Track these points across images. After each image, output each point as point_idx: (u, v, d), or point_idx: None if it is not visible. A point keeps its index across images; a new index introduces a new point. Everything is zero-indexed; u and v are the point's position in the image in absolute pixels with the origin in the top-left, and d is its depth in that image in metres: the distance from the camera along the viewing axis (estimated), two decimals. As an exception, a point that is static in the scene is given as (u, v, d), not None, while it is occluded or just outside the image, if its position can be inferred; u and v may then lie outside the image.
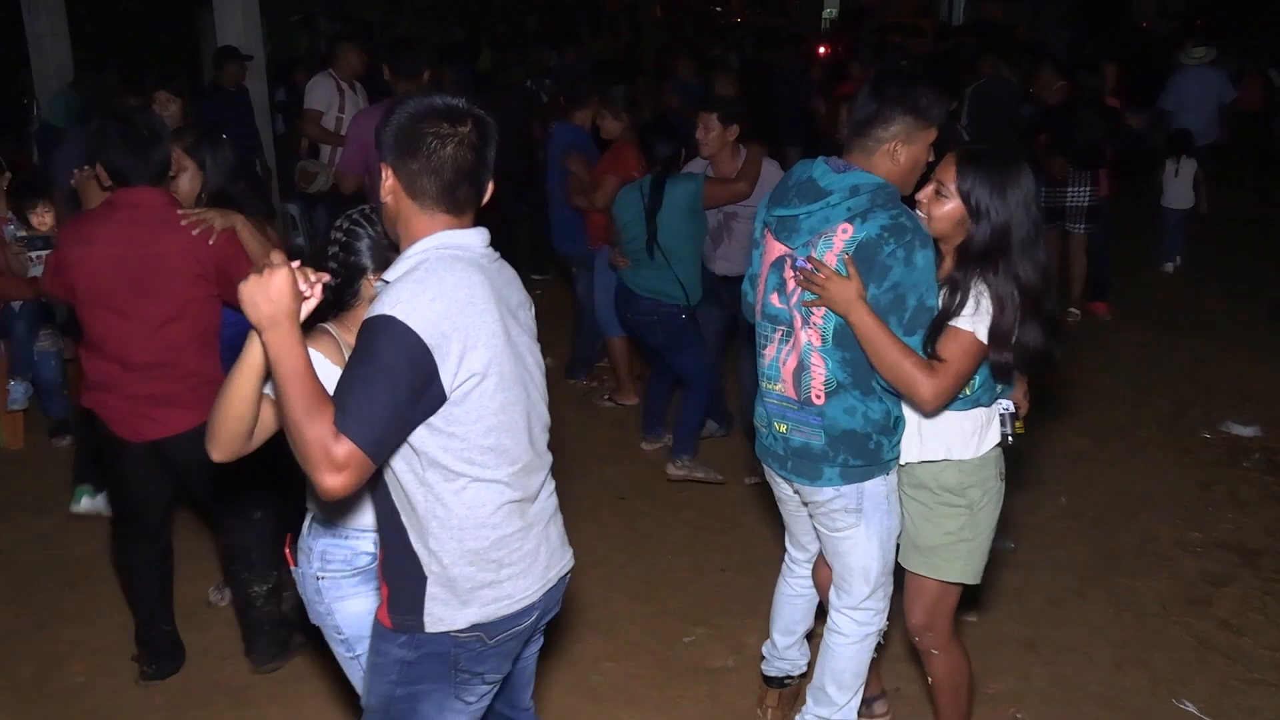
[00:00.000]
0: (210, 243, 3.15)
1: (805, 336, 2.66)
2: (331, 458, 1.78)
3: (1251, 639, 3.72)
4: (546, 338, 7.35)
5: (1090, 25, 14.54)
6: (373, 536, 2.31)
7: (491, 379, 1.96)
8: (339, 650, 2.44)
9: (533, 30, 14.39)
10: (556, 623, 3.76)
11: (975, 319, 2.52)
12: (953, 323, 2.53)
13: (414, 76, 4.99)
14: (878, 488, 2.75)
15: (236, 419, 2.00)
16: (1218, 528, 4.51)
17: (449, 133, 1.96)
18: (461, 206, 2.01)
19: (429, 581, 2.01)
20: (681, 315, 4.72)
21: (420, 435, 1.92)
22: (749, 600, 3.89)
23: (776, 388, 2.77)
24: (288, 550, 2.46)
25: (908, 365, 2.51)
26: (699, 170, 4.87)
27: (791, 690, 3.33)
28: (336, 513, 2.33)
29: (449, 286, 1.91)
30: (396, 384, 1.83)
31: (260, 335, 1.85)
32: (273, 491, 3.39)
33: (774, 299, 2.75)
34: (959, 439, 2.69)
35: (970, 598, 3.92)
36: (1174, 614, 3.87)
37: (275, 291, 1.82)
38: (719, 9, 25.62)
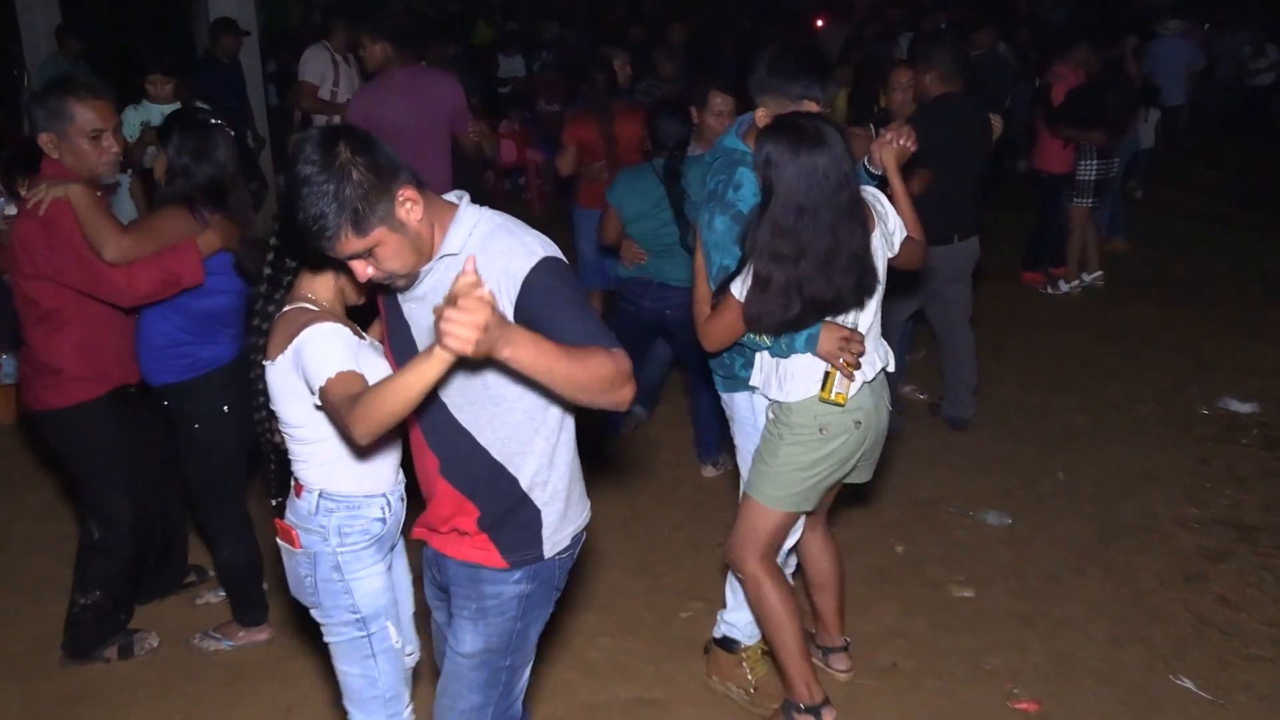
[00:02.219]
0: (40, 214, 3.00)
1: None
2: (624, 372, 1.90)
3: (1248, 615, 3.72)
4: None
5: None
6: (379, 501, 2.38)
7: None
8: (346, 633, 2.39)
9: (529, 3, 14.27)
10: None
11: (745, 281, 2.69)
12: (732, 283, 2.73)
13: (410, 44, 5.01)
14: (743, 403, 3.10)
15: (393, 420, 1.89)
16: (1215, 504, 4.50)
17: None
18: None
19: (543, 513, 2.17)
20: None
21: None
22: (746, 576, 3.88)
23: None
24: (291, 533, 2.37)
25: (695, 309, 2.90)
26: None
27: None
28: (349, 481, 2.35)
29: (519, 221, 2.09)
30: (585, 296, 2.05)
31: (498, 357, 1.75)
32: (114, 526, 3.35)
33: None
34: (769, 378, 2.87)
35: (966, 574, 3.93)
36: (1171, 590, 3.87)
37: (483, 319, 1.66)
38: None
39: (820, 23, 12.48)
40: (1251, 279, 7.57)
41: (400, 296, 2.12)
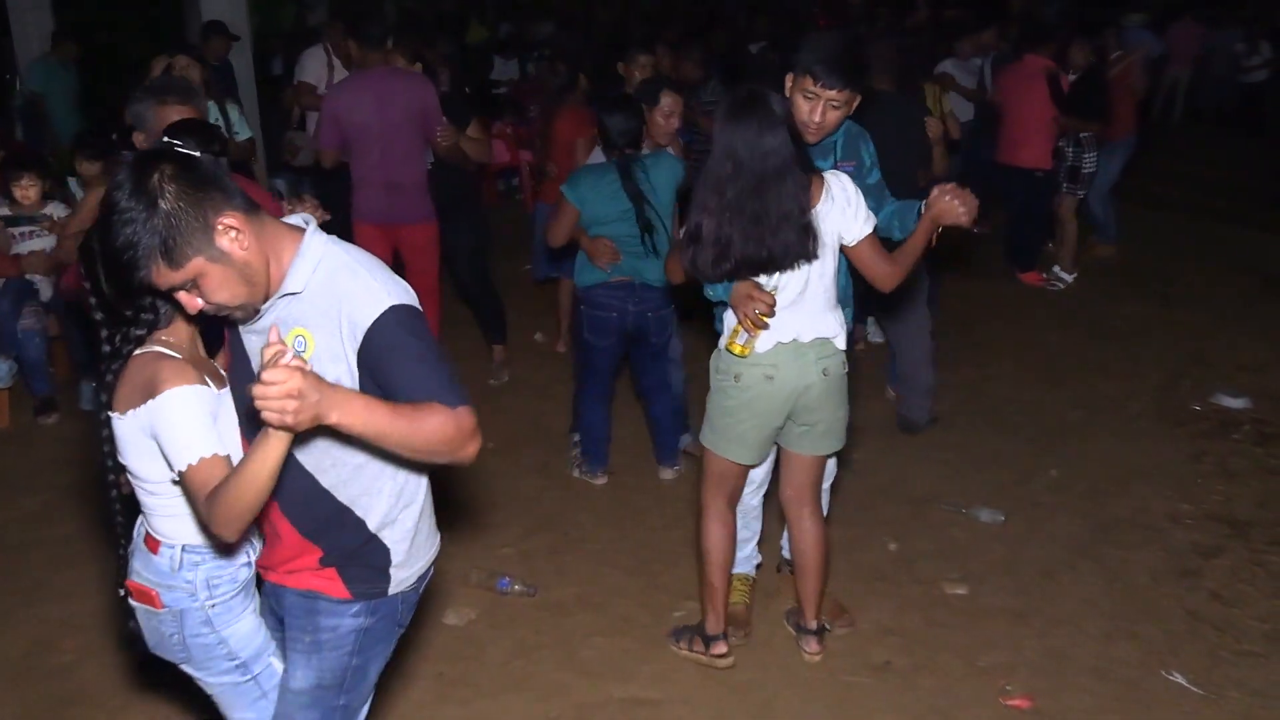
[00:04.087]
0: None
1: None
2: (465, 430, 1.84)
3: (1241, 610, 3.73)
4: (535, 313, 7.27)
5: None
6: (244, 545, 2.20)
7: None
8: (228, 679, 2.23)
9: (524, 3, 14.27)
10: (548, 598, 3.79)
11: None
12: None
13: (378, 45, 5.03)
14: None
15: (253, 510, 1.83)
16: (1208, 500, 4.51)
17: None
18: None
19: (392, 551, 2.09)
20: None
21: None
22: (740, 574, 3.89)
23: None
24: (150, 593, 2.16)
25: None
26: None
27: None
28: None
29: (367, 255, 1.98)
30: (436, 345, 1.92)
31: (327, 423, 1.71)
32: None
33: None
34: (721, 325, 3.18)
35: (959, 571, 3.94)
36: (1164, 586, 3.88)
37: (294, 386, 1.63)
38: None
39: (821, 24, 12.49)
40: (1245, 274, 7.58)
41: (241, 327, 2.00)
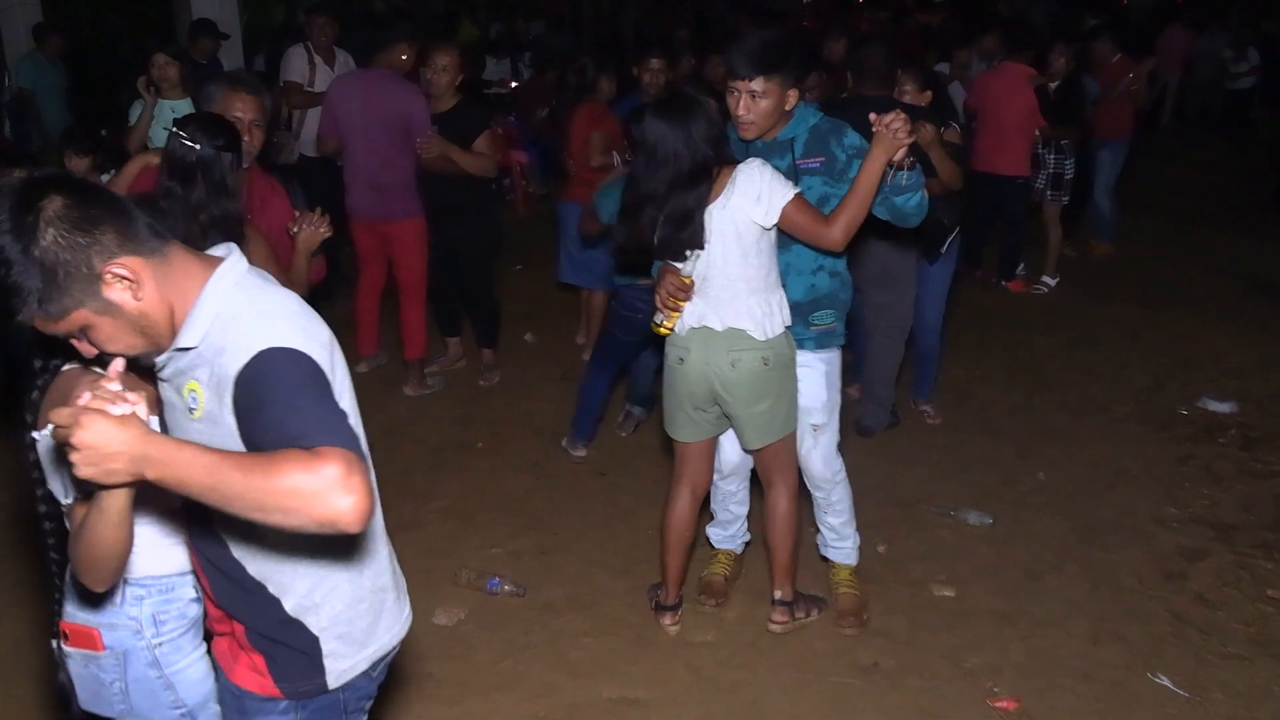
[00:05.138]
0: None
1: None
2: (328, 477, 1.41)
3: (1226, 613, 3.76)
4: (525, 313, 7.27)
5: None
6: (191, 578, 2.01)
7: (346, 381, 1.76)
8: None
9: (513, 3, 14.25)
10: (537, 598, 3.79)
11: None
12: None
13: (394, 43, 5.29)
14: None
15: (121, 556, 1.63)
16: (1193, 503, 4.54)
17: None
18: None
19: (321, 640, 1.81)
20: None
21: None
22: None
23: None
24: (90, 634, 2.00)
25: None
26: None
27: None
28: (158, 560, 2.01)
29: (280, 299, 1.70)
30: (321, 391, 1.59)
31: (143, 478, 1.43)
32: None
33: None
34: None
35: (947, 573, 3.95)
36: (1150, 588, 3.90)
37: (112, 441, 1.38)
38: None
39: (806, 25, 12.51)
40: (1231, 278, 7.63)
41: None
